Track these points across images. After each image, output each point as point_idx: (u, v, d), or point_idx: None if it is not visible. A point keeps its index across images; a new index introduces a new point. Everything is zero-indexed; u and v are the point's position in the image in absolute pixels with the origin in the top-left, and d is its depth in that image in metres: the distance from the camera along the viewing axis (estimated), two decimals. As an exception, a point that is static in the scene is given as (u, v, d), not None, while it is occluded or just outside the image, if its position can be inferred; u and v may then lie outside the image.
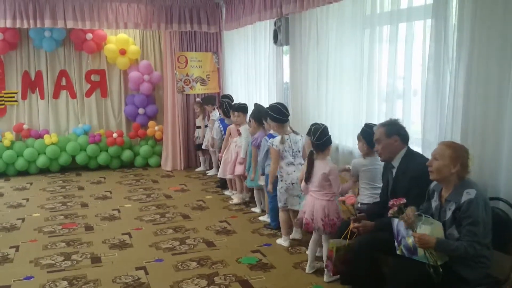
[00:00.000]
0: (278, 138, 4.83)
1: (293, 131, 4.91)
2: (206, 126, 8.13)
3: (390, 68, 4.44)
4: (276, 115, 4.84)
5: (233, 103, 6.82)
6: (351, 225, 3.55)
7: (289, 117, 4.92)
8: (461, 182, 2.89)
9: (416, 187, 3.27)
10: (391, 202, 3.07)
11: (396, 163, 3.52)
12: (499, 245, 3.07)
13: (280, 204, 4.86)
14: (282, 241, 4.88)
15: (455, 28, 3.60)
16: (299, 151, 4.86)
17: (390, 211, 3.05)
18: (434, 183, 3.09)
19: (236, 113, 6.33)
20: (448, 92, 3.69)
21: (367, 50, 4.74)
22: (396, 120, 3.63)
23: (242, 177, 6.26)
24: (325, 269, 3.93)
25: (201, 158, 8.60)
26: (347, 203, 3.67)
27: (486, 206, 2.83)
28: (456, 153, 2.89)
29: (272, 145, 4.83)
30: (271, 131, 5.19)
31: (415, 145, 4.16)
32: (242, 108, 6.37)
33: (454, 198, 2.87)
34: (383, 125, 3.59)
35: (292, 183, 4.76)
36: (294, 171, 4.77)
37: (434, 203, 3.04)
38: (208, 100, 8.07)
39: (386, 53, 4.49)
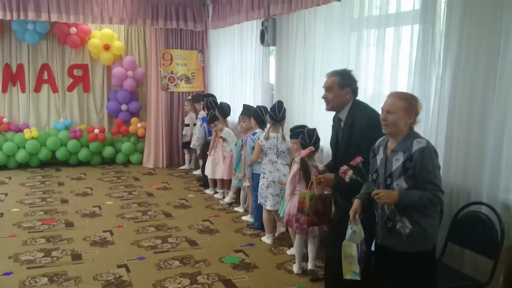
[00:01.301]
0: (264, 133, 4.91)
1: (283, 135, 4.95)
2: (194, 124, 8.07)
3: (376, 72, 4.48)
4: (271, 112, 4.91)
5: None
6: (313, 177, 3.58)
7: (283, 120, 4.97)
8: (410, 132, 2.79)
9: (366, 140, 3.14)
10: (343, 168, 2.92)
11: (343, 115, 3.39)
12: (482, 250, 3.13)
13: (261, 201, 4.92)
14: (266, 239, 4.94)
15: (442, 34, 3.66)
16: (284, 152, 4.92)
17: (349, 174, 2.88)
18: (380, 139, 2.96)
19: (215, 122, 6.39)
20: (434, 96, 3.74)
21: (354, 53, 4.77)
22: (350, 71, 3.48)
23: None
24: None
25: (186, 156, 8.55)
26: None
27: (436, 155, 2.74)
28: (410, 104, 2.77)
29: (258, 138, 4.97)
30: (256, 130, 5.30)
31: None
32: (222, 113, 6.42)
33: (402, 147, 2.75)
34: (337, 73, 3.40)
35: (274, 181, 4.83)
36: (277, 170, 4.86)
37: (379, 157, 2.89)
38: (198, 98, 8.00)
39: (372, 57, 4.53)
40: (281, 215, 4.67)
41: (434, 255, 2.90)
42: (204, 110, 7.29)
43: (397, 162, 2.75)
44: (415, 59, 3.90)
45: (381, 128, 2.95)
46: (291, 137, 4.59)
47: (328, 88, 3.39)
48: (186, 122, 8.34)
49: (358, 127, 3.26)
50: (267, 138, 4.89)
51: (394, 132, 2.80)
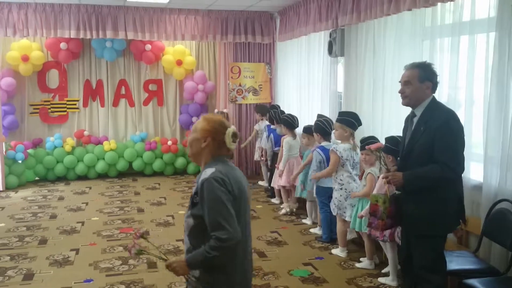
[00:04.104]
0: (343, 145, 4.86)
1: (355, 145, 4.89)
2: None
3: (451, 79, 4.32)
4: (355, 121, 4.86)
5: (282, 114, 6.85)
6: (383, 175, 3.35)
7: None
8: (212, 161, 2.38)
9: (440, 139, 2.98)
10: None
11: (419, 111, 3.17)
12: None
13: (340, 212, 4.81)
14: (339, 252, 4.88)
15: (521, 41, 3.48)
16: (357, 164, 4.91)
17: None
18: None
19: (278, 125, 6.44)
20: (513, 106, 3.56)
21: (427, 60, 4.61)
22: (432, 64, 3.25)
23: (285, 188, 6.43)
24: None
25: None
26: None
27: (222, 185, 2.25)
28: (209, 125, 2.39)
29: (336, 150, 4.84)
30: (323, 143, 5.30)
31: (476, 160, 4.04)
32: (283, 120, 6.46)
33: (198, 179, 2.35)
34: (418, 66, 3.19)
35: (350, 192, 4.76)
36: (354, 181, 4.82)
37: None
38: (260, 109, 8.08)
39: (447, 63, 4.36)
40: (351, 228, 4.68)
41: None
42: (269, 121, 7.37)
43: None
44: (491, 66, 3.74)
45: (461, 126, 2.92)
46: (362, 148, 4.53)
47: (406, 82, 3.17)
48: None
49: (437, 124, 3.03)
50: (354, 148, 4.86)
51: (192, 157, 2.47)
